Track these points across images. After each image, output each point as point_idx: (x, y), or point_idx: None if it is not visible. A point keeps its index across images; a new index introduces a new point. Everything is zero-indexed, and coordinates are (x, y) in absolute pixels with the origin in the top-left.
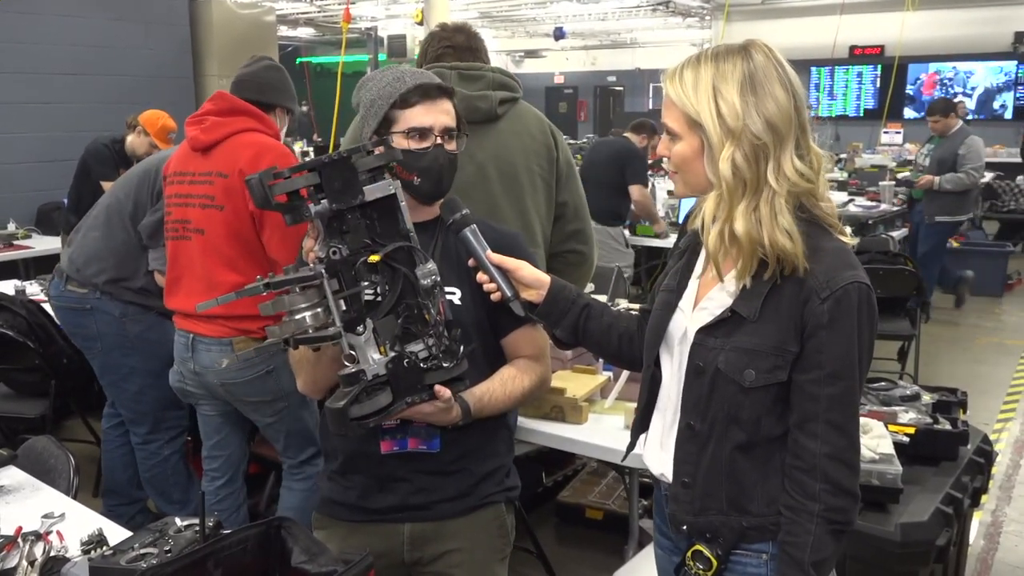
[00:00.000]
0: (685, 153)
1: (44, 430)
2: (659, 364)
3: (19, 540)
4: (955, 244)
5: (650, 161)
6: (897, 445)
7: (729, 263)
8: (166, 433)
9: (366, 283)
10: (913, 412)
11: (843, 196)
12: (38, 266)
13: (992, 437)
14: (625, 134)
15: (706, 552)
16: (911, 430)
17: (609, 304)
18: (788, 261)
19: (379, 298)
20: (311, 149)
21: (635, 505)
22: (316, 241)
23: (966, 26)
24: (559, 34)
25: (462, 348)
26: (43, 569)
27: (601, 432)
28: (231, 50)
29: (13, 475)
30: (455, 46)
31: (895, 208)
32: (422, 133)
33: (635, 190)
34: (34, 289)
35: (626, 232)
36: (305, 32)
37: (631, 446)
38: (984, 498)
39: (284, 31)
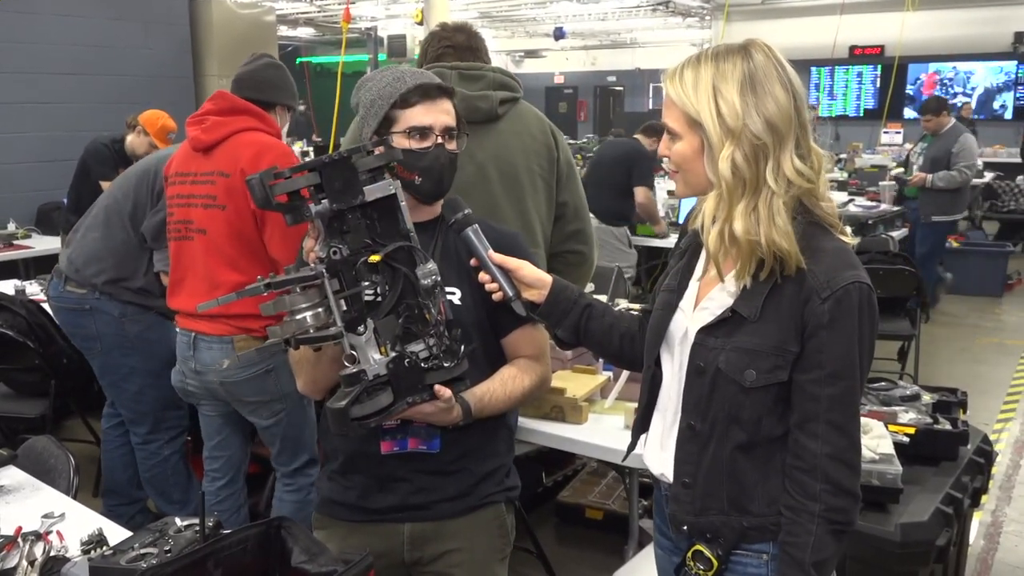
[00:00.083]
0: (685, 153)
1: (44, 430)
2: (660, 364)
3: (19, 540)
4: (955, 244)
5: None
6: (897, 445)
7: (729, 263)
8: (166, 433)
9: (367, 283)
10: (913, 412)
11: (843, 196)
12: (38, 266)
13: (992, 437)
14: (635, 135)
15: (706, 552)
16: (911, 430)
17: (609, 304)
18: (786, 261)
19: (379, 298)
20: (311, 149)
21: (635, 505)
22: (316, 241)
23: (966, 26)
24: (559, 34)
25: (463, 348)
26: (43, 569)
27: (601, 432)
28: (231, 50)
29: (13, 475)
30: (455, 46)
31: (895, 208)
32: (423, 133)
33: (640, 192)
34: (34, 289)
35: (628, 232)
36: (305, 32)
37: (631, 446)
38: (984, 498)
39: (284, 31)
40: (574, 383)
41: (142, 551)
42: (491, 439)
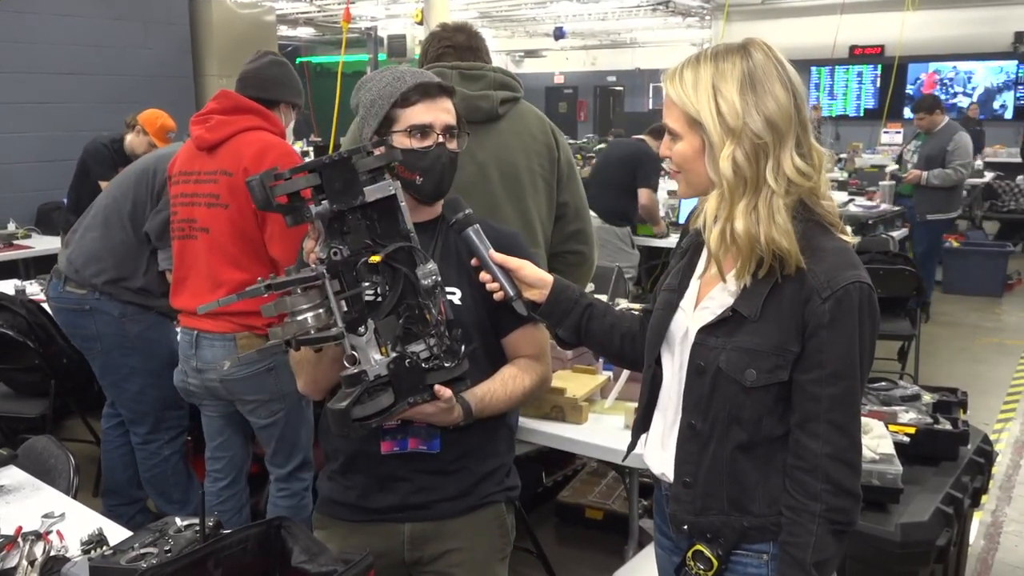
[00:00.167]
0: (686, 153)
1: (44, 430)
2: (660, 364)
3: (19, 540)
4: (955, 244)
5: None
6: (897, 445)
7: (730, 262)
8: (166, 433)
9: (367, 284)
10: (913, 412)
11: (843, 196)
12: (38, 266)
13: (992, 437)
14: (642, 137)
15: (707, 552)
16: (911, 430)
17: (610, 304)
18: (785, 260)
19: (380, 298)
20: (311, 149)
21: (635, 505)
22: (317, 242)
23: (966, 26)
24: (559, 34)
25: (463, 348)
26: (43, 569)
27: (601, 432)
28: (231, 50)
29: (13, 475)
30: (455, 46)
31: (895, 208)
32: (423, 131)
33: (643, 194)
34: (34, 289)
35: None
36: (305, 32)
37: (632, 446)
38: (984, 498)
39: (284, 31)
40: (574, 383)
41: (142, 551)
42: (491, 439)
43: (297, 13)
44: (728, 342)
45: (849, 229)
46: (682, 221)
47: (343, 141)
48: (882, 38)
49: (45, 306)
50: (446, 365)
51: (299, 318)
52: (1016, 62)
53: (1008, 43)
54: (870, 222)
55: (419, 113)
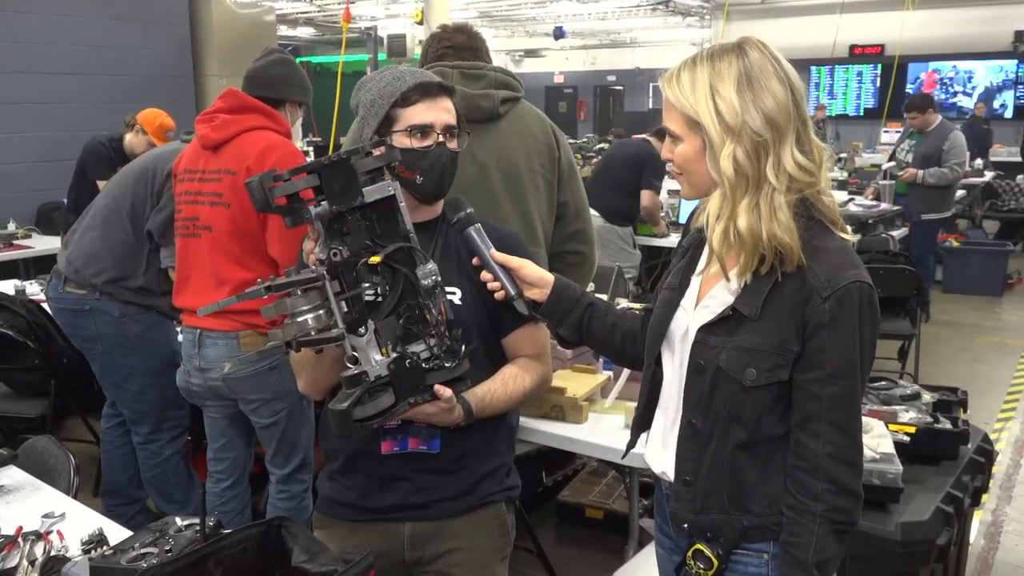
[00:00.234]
0: (687, 154)
1: (44, 430)
2: (660, 362)
3: (19, 540)
4: (955, 243)
5: None
6: (898, 444)
7: (732, 259)
8: (168, 433)
9: (367, 284)
10: (913, 411)
11: (843, 195)
12: (38, 266)
13: (992, 436)
14: (647, 138)
15: (707, 551)
16: (912, 429)
17: (611, 303)
18: (786, 257)
19: (380, 299)
20: (311, 149)
21: (635, 505)
22: (316, 243)
23: (966, 25)
24: (559, 33)
25: (463, 348)
26: (44, 569)
27: (601, 431)
28: (231, 50)
29: (13, 475)
30: (455, 46)
31: (895, 208)
32: (423, 131)
33: (646, 195)
34: (34, 289)
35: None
36: (305, 32)
37: (631, 444)
38: (985, 497)
39: (284, 31)
40: (574, 382)
41: (142, 551)
42: (492, 438)
43: (297, 13)
44: (728, 341)
45: (849, 228)
46: (682, 221)
47: (343, 141)
48: (882, 37)
49: (45, 306)
50: (446, 365)
51: (299, 319)
52: (1016, 61)
53: (1008, 42)
54: (870, 221)
55: (419, 113)
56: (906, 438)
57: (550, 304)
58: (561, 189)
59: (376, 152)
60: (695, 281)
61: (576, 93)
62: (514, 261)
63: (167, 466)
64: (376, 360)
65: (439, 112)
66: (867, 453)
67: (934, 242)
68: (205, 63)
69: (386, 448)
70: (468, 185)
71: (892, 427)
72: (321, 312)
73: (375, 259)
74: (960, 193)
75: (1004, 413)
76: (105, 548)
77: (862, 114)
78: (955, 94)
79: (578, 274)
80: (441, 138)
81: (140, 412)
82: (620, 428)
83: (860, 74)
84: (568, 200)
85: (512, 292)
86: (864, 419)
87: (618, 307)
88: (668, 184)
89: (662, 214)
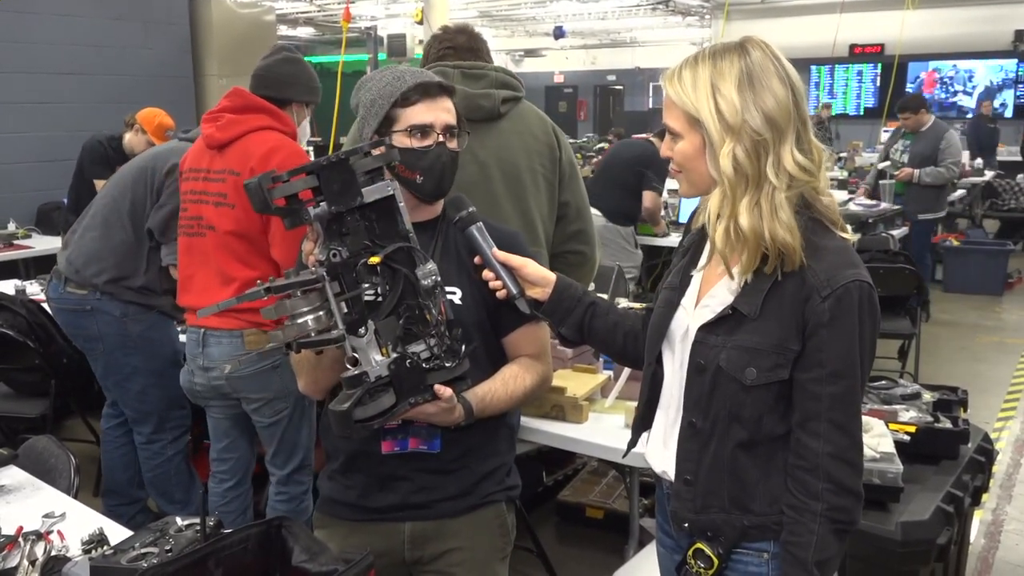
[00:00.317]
0: (687, 152)
1: (44, 430)
2: (661, 362)
3: (20, 540)
4: (955, 242)
5: None
6: (898, 444)
7: (735, 259)
8: (170, 433)
9: (367, 285)
10: (914, 411)
11: (843, 195)
12: (38, 266)
13: (993, 436)
14: (651, 139)
15: (707, 551)
16: (912, 429)
17: (612, 302)
18: (788, 256)
19: (380, 299)
20: (311, 148)
21: (635, 504)
22: (316, 244)
23: (966, 24)
24: (559, 33)
25: (464, 347)
26: (44, 568)
27: (601, 431)
28: (231, 50)
29: (14, 475)
30: (456, 47)
31: (896, 207)
32: (423, 131)
33: (648, 196)
34: (34, 289)
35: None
36: (305, 31)
37: (632, 443)
38: (985, 497)
39: (284, 30)
40: (574, 382)
41: (143, 550)
42: (492, 438)
43: (297, 13)
44: (728, 340)
45: (849, 227)
46: (682, 220)
47: (344, 142)
48: (882, 37)
49: (45, 306)
50: (447, 365)
51: (299, 321)
52: (1016, 60)
53: (1008, 41)
54: (870, 221)
55: (419, 113)
56: (906, 437)
57: (552, 303)
58: (562, 189)
59: (375, 152)
60: (695, 280)
61: (576, 93)
62: (516, 260)
63: (169, 466)
64: (376, 360)
65: (439, 112)
66: (867, 452)
67: (930, 241)
68: (205, 63)
69: (386, 448)
70: (469, 185)
71: (892, 426)
72: (321, 313)
73: (375, 259)
74: (960, 192)
75: (1004, 412)
76: (105, 548)
77: (862, 113)
78: (955, 93)
79: (579, 274)
80: (441, 138)
81: (143, 412)
82: (620, 428)
83: (860, 73)
84: (569, 200)
85: (514, 291)
86: (864, 418)
87: (619, 307)
88: (669, 184)
89: (663, 214)
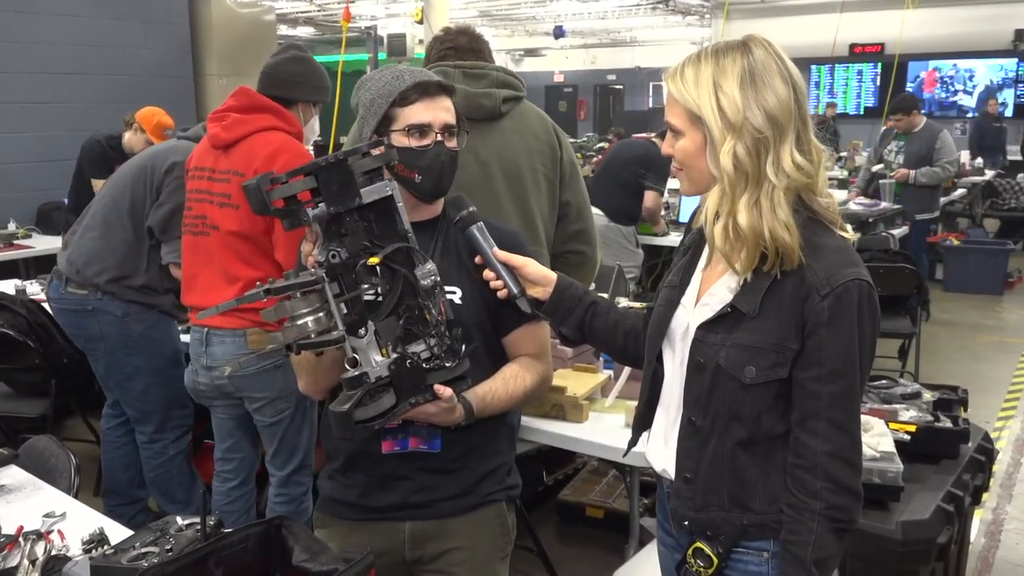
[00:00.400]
0: (688, 149)
1: (45, 429)
2: (661, 360)
3: (20, 539)
4: (955, 242)
5: None
6: (898, 443)
7: (735, 257)
8: (172, 432)
9: (366, 285)
10: (914, 410)
11: (843, 194)
12: (38, 266)
13: (993, 435)
14: (654, 139)
15: (707, 549)
16: (912, 428)
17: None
18: (787, 255)
19: (380, 298)
20: (310, 148)
21: (636, 504)
22: (315, 245)
23: (966, 24)
24: (559, 33)
25: (464, 347)
26: (44, 568)
27: (602, 430)
28: (231, 49)
29: (14, 474)
30: (458, 48)
31: (896, 207)
32: (422, 130)
33: (650, 196)
34: (34, 289)
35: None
36: (305, 31)
37: (632, 442)
38: (985, 496)
39: (284, 30)
40: (575, 381)
41: (143, 550)
42: (492, 437)
43: (297, 12)
44: (728, 339)
45: (849, 227)
46: (682, 220)
47: (345, 142)
48: (882, 36)
49: (45, 306)
50: (447, 365)
51: (299, 322)
52: (1016, 60)
53: (1008, 41)
54: (870, 220)
55: (417, 112)
56: (906, 437)
57: (553, 302)
58: (563, 189)
59: (374, 152)
60: (696, 279)
61: (576, 92)
62: (516, 259)
63: (171, 466)
64: (376, 361)
65: (438, 111)
66: (867, 452)
67: (926, 241)
68: (205, 63)
69: (387, 448)
70: (470, 184)
71: (892, 426)
72: (321, 315)
73: (374, 260)
74: (960, 191)
75: (1004, 412)
76: (106, 547)
77: (862, 113)
78: (955, 93)
79: (580, 274)
80: (440, 137)
81: (145, 411)
82: (620, 427)
83: (860, 73)
84: (570, 200)
85: (515, 290)
86: (864, 418)
87: (619, 306)
88: (669, 183)
89: (663, 214)
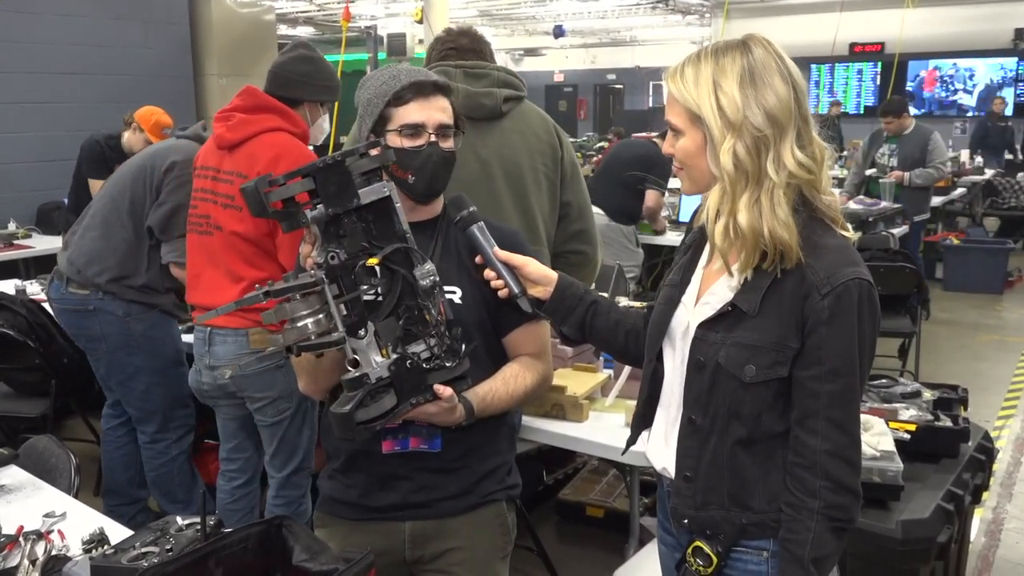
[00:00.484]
0: (688, 148)
1: (45, 429)
2: (661, 359)
3: (21, 539)
4: (955, 241)
5: None
6: (898, 442)
7: (734, 256)
8: (174, 432)
9: (366, 286)
10: (914, 409)
11: (836, 195)
12: (38, 266)
13: (993, 434)
14: (655, 139)
15: (706, 548)
16: (912, 427)
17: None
18: (785, 253)
19: (380, 298)
20: (310, 148)
21: (636, 503)
22: (313, 247)
23: (966, 23)
24: (559, 32)
25: (464, 347)
26: (45, 568)
27: (602, 430)
28: (231, 49)
29: (14, 474)
30: (459, 48)
31: (896, 206)
32: (415, 130)
33: (651, 196)
34: (34, 289)
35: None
36: (305, 31)
37: (632, 440)
38: (985, 495)
39: (284, 30)
40: (575, 381)
41: (143, 550)
42: (493, 437)
43: (297, 12)
44: (728, 337)
45: (850, 226)
46: (683, 219)
47: (345, 142)
48: (882, 35)
49: (46, 306)
50: (447, 365)
51: (299, 324)
52: (1016, 59)
53: (1008, 40)
54: (871, 219)
55: (411, 112)
56: (907, 436)
57: (553, 302)
58: (564, 189)
59: (371, 153)
60: (696, 278)
61: (576, 92)
62: (517, 259)
63: (172, 466)
64: (377, 362)
65: (432, 111)
66: (867, 451)
67: (919, 241)
68: (205, 63)
69: (387, 447)
70: (471, 183)
71: (892, 425)
72: (321, 316)
73: (373, 261)
74: (960, 191)
75: (1004, 411)
76: (106, 547)
77: (862, 112)
78: (955, 92)
79: (581, 274)
80: (433, 137)
81: (146, 411)
82: (620, 426)
83: (860, 72)
84: (571, 200)
85: (516, 290)
86: (864, 417)
87: (619, 305)
88: (671, 182)
89: (664, 213)
